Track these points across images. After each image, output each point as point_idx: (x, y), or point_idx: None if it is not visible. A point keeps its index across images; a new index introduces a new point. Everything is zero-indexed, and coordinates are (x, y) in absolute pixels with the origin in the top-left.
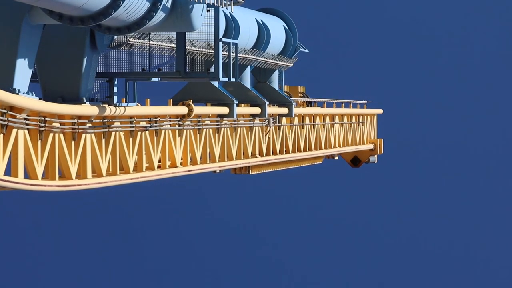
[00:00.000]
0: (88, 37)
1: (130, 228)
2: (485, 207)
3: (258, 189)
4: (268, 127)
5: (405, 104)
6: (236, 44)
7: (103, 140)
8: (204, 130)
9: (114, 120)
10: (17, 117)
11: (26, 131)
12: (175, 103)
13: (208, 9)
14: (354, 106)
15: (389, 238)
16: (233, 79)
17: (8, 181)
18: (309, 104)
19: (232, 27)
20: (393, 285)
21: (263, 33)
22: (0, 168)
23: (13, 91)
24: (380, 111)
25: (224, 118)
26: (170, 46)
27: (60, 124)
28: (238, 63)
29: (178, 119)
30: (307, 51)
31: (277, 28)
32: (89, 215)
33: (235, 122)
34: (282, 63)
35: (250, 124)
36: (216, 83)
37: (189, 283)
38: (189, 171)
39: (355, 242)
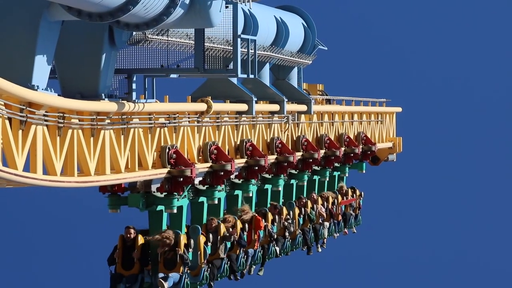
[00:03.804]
0: (106, 34)
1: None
2: (508, 206)
3: None
4: (287, 124)
5: (424, 102)
6: (254, 40)
7: (122, 137)
8: (223, 126)
9: (132, 116)
10: (36, 113)
11: (45, 127)
12: (194, 100)
13: (227, 5)
14: (373, 104)
15: (408, 237)
16: (251, 76)
17: (27, 177)
18: (328, 101)
19: (251, 24)
20: (411, 283)
21: (282, 30)
22: (19, 164)
23: (31, 87)
24: (399, 109)
25: (243, 115)
26: (189, 43)
27: (79, 121)
28: (256, 60)
29: (197, 116)
30: (326, 48)
31: (296, 25)
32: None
33: (253, 119)
34: (301, 60)
35: (268, 121)
36: (234, 80)
37: None
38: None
39: (374, 240)
